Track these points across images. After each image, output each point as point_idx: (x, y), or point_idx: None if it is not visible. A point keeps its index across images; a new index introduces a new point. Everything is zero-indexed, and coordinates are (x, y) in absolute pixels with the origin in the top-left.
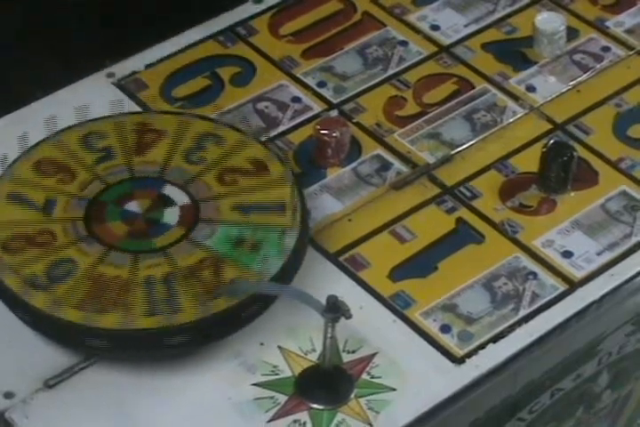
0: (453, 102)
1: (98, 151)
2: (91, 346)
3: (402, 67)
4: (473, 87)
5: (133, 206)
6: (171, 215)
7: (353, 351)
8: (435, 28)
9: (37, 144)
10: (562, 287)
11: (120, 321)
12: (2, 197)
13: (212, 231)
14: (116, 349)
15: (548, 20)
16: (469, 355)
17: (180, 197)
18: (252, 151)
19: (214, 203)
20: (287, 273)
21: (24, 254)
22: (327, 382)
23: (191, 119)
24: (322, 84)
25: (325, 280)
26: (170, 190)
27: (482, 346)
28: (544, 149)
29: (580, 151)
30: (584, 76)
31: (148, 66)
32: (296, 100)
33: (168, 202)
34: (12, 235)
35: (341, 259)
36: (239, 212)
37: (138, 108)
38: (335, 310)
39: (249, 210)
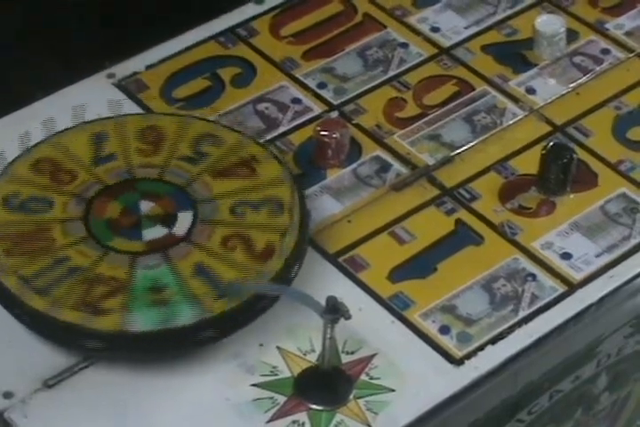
0: (453, 104)
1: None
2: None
3: (402, 68)
4: (473, 89)
5: (145, 205)
6: (154, 232)
7: (352, 352)
8: (435, 29)
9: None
10: (561, 289)
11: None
12: None
13: (155, 266)
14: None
15: (548, 23)
16: (468, 356)
17: (182, 226)
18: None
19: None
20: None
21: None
22: (326, 382)
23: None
24: (322, 86)
25: (325, 281)
26: (184, 217)
27: (481, 347)
28: (544, 151)
29: (580, 153)
30: (584, 79)
31: (149, 67)
32: (296, 101)
33: (169, 222)
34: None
35: (341, 260)
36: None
37: (138, 109)
38: (334, 311)
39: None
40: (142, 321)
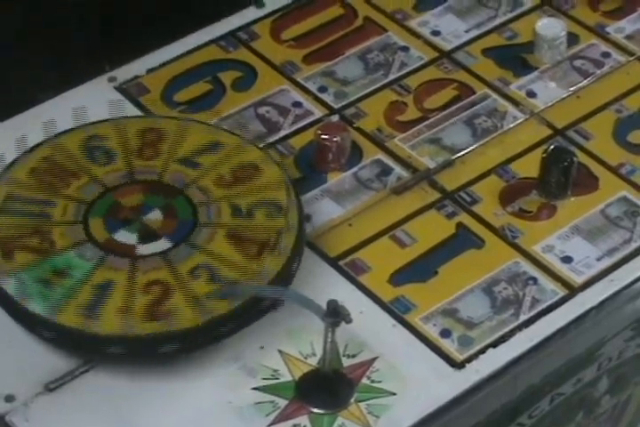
0: (454, 108)
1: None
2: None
3: (403, 72)
4: (474, 92)
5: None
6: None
7: (353, 356)
8: (436, 33)
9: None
10: (562, 292)
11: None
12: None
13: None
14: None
15: (549, 26)
16: (469, 360)
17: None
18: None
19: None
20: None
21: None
22: (327, 386)
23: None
24: (323, 89)
25: (326, 284)
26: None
27: (482, 351)
28: (544, 155)
29: (581, 157)
30: (584, 82)
31: (150, 70)
32: (297, 104)
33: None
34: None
35: (342, 263)
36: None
37: (140, 113)
38: (335, 314)
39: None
40: None
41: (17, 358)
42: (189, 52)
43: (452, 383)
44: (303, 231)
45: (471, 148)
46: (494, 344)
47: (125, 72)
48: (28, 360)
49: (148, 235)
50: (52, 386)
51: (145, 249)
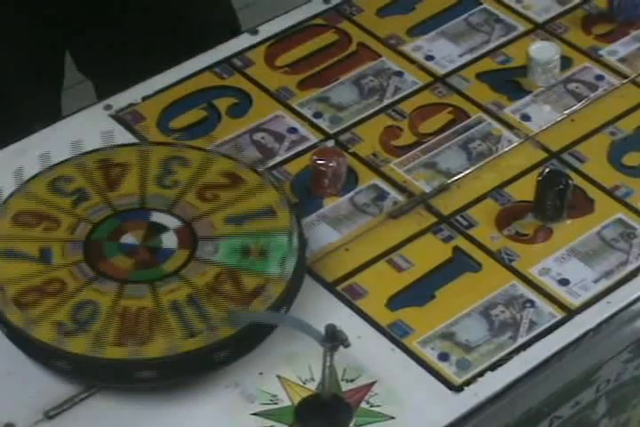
0: (449, 132)
1: (71, 194)
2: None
3: (397, 97)
4: (468, 117)
5: (129, 239)
6: (169, 240)
7: (352, 380)
8: (429, 58)
9: (9, 197)
10: (559, 315)
11: (165, 348)
12: None
13: (216, 247)
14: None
15: (542, 50)
16: (468, 383)
17: (171, 222)
18: (223, 165)
19: (206, 219)
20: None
21: (42, 306)
22: (326, 411)
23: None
24: (318, 115)
25: (323, 309)
26: (157, 217)
27: (480, 374)
28: (539, 178)
29: (576, 179)
30: (578, 105)
31: (145, 98)
32: (292, 130)
33: (161, 228)
34: (22, 290)
35: (339, 288)
36: (233, 224)
37: (135, 141)
38: (334, 339)
39: (242, 220)
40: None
41: (16, 385)
42: (184, 80)
43: (451, 407)
44: (304, 253)
45: (466, 172)
46: (492, 368)
47: (121, 100)
48: (28, 388)
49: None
50: (51, 413)
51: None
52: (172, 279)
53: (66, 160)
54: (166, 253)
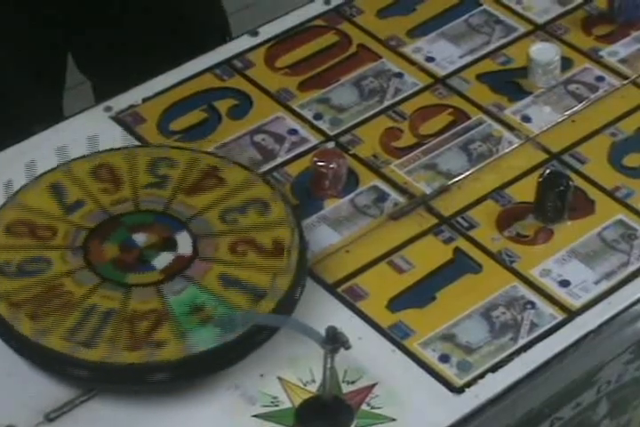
0: (449, 133)
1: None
2: None
3: (398, 98)
4: (469, 118)
5: (140, 237)
6: (162, 260)
7: (352, 382)
8: (430, 59)
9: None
10: (560, 316)
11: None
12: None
13: (182, 289)
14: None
15: (543, 51)
16: (469, 384)
17: (185, 246)
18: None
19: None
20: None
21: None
22: (327, 413)
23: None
24: (318, 117)
25: (324, 311)
26: (181, 237)
27: (481, 376)
28: (540, 179)
29: (576, 180)
30: (579, 106)
31: (146, 99)
32: (293, 132)
33: (170, 246)
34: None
35: (340, 290)
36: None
37: (136, 143)
38: (334, 340)
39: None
40: (203, 342)
41: (17, 387)
42: (185, 81)
43: (452, 408)
44: (305, 270)
45: (467, 173)
46: (493, 369)
47: (121, 101)
48: (28, 390)
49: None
50: (52, 416)
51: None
52: (116, 289)
53: (53, 169)
54: (147, 267)
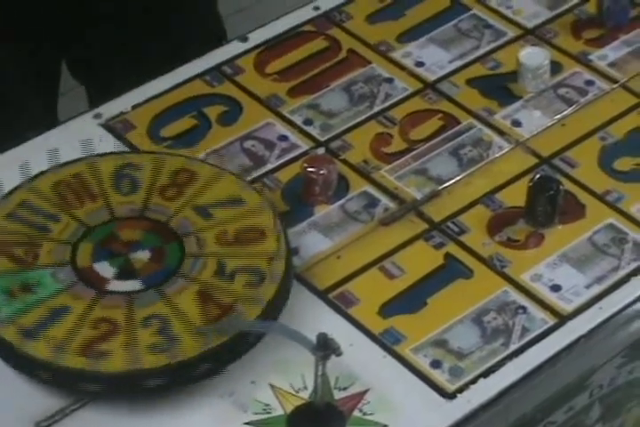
0: (439, 138)
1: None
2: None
3: (388, 103)
4: (459, 123)
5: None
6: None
7: (344, 388)
8: (419, 64)
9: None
10: (551, 321)
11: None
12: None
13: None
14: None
15: (532, 55)
16: (461, 390)
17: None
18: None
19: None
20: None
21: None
22: (319, 419)
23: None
24: (308, 122)
25: (315, 317)
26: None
27: (473, 381)
28: (530, 184)
29: (567, 185)
30: (569, 110)
31: (135, 106)
32: (283, 138)
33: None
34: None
35: (331, 296)
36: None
37: (126, 149)
38: (325, 347)
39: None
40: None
41: (7, 396)
42: (174, 88)
43: (444, 414)
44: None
45: (457, 178)
46: (485, 374)
47: (111, 108)
48: (19, 399)
49: (126, 272)
50: (42, 424)
51: (116, 286)
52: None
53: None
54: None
